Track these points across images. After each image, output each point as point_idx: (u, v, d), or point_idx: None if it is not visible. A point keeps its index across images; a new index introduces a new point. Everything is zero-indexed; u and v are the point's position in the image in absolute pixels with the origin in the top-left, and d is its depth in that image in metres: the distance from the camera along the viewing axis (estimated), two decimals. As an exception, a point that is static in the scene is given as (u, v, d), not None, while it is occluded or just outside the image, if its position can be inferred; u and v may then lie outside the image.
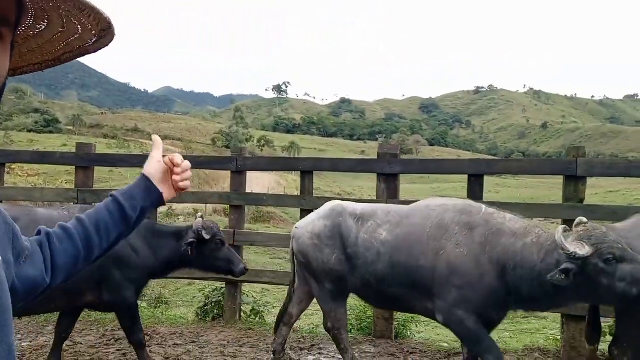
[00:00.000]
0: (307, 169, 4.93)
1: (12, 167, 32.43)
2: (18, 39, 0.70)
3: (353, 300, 4.45)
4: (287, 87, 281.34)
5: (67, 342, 4.61)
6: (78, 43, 0.72)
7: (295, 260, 3.77)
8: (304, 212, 5.10)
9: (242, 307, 5.46)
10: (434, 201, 3.48)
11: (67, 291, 3.50)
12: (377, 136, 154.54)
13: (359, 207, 3.63)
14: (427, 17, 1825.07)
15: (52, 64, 0.78)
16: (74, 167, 5.54)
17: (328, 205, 3.71)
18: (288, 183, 48.19)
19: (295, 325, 4.46)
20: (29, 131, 75.15)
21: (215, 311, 5.47)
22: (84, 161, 5.33)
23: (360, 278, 3.44)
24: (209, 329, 5.18)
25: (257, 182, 40.00)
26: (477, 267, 3.03)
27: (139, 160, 5.56)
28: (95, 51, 0.74)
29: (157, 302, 9.24)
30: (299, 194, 5.17)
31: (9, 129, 72.93)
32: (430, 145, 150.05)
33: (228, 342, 4.80)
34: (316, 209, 5.17)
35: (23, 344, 4.63)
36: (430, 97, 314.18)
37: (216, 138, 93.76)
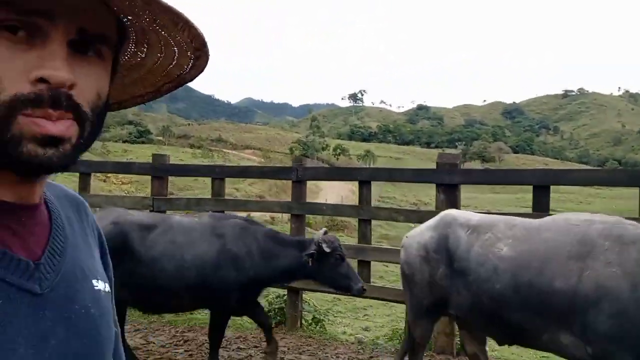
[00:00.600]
0: (364, 179, 4.95)
1: (108, 175, 35.28)
2: (122, 69, 0.71)
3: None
4: (362, 95, 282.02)
5: (141, 341, 4.97)
6: (176, 71, 0.72)
7: (400, 271, 3.57)
8: (362, 222, 5.12)
9: (303, 315, 5.55)
10: (575, 215, 2.95)
11: (189, 289, 3.80)
12: (457, 144, 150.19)
13: (474, 217, 3.25)
14: (509, 17, 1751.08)
15: (153, 96, 0.78)
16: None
17: (439, 215, 3.45)
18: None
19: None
20: (124, 142, 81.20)
21: (278, 318, 5.60)
22: (159, 171, 5.73)
23: (469, 298, 3.04)
24: (271, 335, 5.32)
25: (332, 190, 40.40)
26: (635, 290, 2.50)
27: (208, 170, 5.89)
28: (192, 79, 0.73)
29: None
30: (357, 204, 5.20)
31: (105, 139, 79.38)
32: (515, 153, 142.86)
33: (288, 349, 4.90)
34: (374, 219, 5.20)
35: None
36: (514, 102, 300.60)
37: (294, 147, 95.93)
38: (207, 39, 0.65)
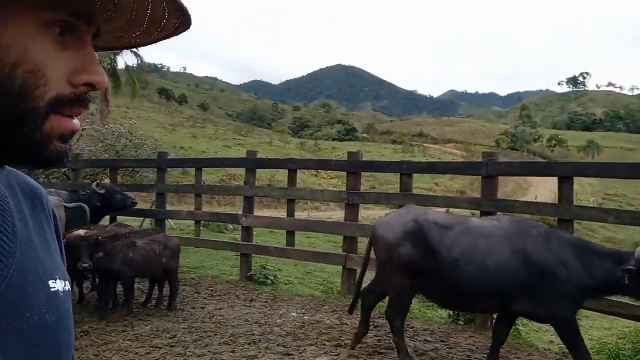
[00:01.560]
0: (565, 175, 4.49)
1: (319, 170, 38.63)
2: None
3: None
4: (585, 78, 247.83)
5: (335, 322, 5.42)
6: (155, 27, 0.63)
7: None
8: (563, 222, 4.66)
9: (494, 316, 5.33)
10: None
11: (495, 294, 3.71)
12: None
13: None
14: None
15: (130, 45, 0.70)
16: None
17: None
18: (582, 188, 42.59)
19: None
20: (333, 139, 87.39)
21: (468, 315, 5.50)
22: (353, 167, 6.15)
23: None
24: (460, 332, 5.25)
25: (546, 185, 36.79)
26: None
27: (396, 166, 6.08)
28: (141, 45, 0.67)
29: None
30: (556, 202, 4.75)
31: (318, 138, 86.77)
32: None
33: (477, 348, 4.78)
34: (578, 219, 4.68)
35: (305, 317, 5.62)
36: None
37: (500, 139, 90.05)
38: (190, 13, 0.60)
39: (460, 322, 5.54)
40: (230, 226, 12.01)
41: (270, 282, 6.85)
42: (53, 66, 0.54)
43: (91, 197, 6.74)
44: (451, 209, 7.00)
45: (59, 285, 0.64)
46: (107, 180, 7.68)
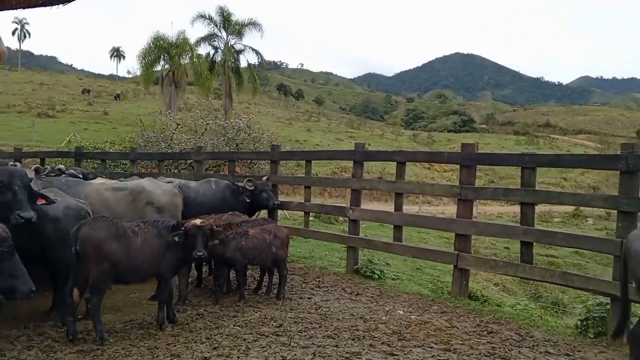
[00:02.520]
0: None
1: (431, 163, 37.42)
2: None
3: None
4: None
5: (445, 324, 5.14)
6: None
7: None
8: None
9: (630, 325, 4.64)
10: None
11: None
12: None
13: None
14: None
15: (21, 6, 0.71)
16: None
17: None
18: None
19: None
20: (448, 131, 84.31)
21: (599, 328, 4.87)
22: (467, 160, 5.75)
23: None
24: (588, 345, 4.67)
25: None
26: None
27: (517, 159, 5.55)
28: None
29: (553, 305, 8.88)
30: None
31: (432, 130, 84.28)
32: None
33: (610, 366, 4.22)
34: None
35: (412, 316, 5.41)
36: None
37: (643, 130, 79.73)
38: None
39: (589, 335, 4.93)
40: (341, 218, 12.11)
41: (377, 276, 6.73)
42: None
43: (242, 193, 7.06)
44: (582, 208, 6.24)
45: None
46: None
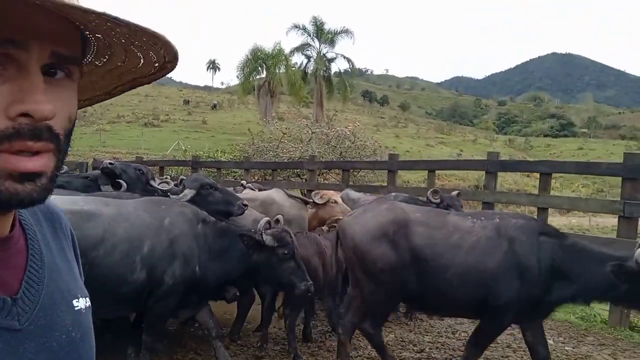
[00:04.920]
0: None
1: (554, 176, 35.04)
2: None
3: None
4: None
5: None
6: (133, 76, 0.70)
7: None
8: None
9: None
10: None
11: None
12: None
13: None
14: None
15: (104, 99, 0.76)
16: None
17: None
18: None
19: None
20: (545, 136, 79.35)
21: None
22: (632, 172, 5.04)
23: None
24: None
25: None
26: None
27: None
28: (149, 82, 0.71)
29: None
30: None
31: (527, 134, 79.67)
32: None
33: None
34: None
35: (566, 348, 4.83)
36: None
37: None
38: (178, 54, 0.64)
39: None
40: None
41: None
42: None
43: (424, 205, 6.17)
44: None
45: (81, 303, 0.70)
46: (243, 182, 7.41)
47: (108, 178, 5.03)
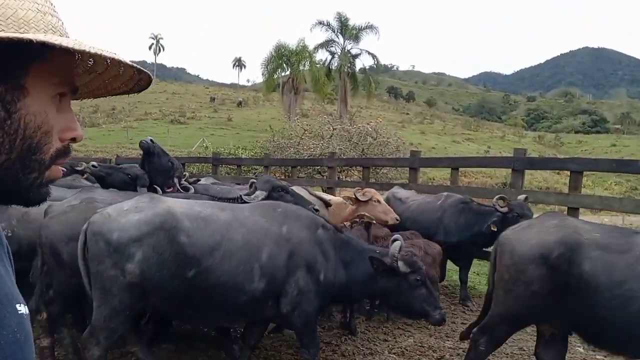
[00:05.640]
0: None
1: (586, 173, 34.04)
2: None
3: None
4: None
5: None
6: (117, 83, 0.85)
7: None
8: None
9: None
10: None
11: None
12: None
13: None
14: None
15: (102, 95, 0.89)
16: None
17: None
18: None
19: None
20: (576, 132, 77.18)
21: None
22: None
23: None
24: None
25: None
26: None
27: None
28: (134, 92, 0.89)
29: None
30: None
31: (558, 131, 77.60)
32: None
33: None
34: None
35: (597, 357, 4.57)
36: None
37: None
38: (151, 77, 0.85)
39: None
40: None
41: (541, 303, 5.88)
42: (55, 127, 0.73)
43: (488, 216, 5.43)
44: None
45: (23, 309, 0.73)
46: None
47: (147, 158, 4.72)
